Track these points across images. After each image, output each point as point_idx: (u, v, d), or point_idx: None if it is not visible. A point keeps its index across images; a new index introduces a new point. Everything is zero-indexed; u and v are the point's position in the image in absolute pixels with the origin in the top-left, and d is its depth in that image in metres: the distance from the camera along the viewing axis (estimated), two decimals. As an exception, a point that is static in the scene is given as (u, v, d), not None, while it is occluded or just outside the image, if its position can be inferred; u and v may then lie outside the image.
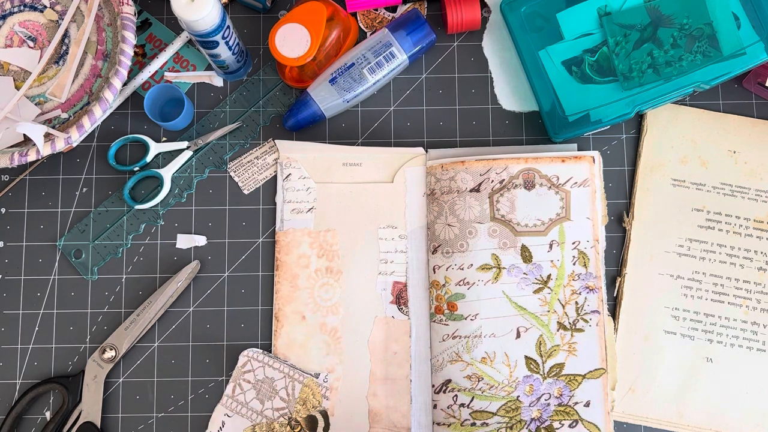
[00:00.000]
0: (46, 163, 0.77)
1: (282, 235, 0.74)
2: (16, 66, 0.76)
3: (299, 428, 0.71)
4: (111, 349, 0.72)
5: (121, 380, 0.73)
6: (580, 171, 0.72)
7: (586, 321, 0.71)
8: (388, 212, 0.74)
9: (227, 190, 0.76)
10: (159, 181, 0.75)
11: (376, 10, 0.78)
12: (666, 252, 0.73)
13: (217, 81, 0.78)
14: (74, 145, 0.71)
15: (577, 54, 0.72)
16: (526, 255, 0.71)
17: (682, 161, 0.74)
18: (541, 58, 0.72)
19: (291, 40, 0.71)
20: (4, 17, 0.77)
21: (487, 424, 0.69)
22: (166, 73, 0.78)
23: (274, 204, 0.75)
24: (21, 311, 0.74)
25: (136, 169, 0.76)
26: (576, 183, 0.72)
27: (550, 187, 0.72)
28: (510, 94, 0.77)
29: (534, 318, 0.71)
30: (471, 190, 0.72)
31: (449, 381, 0.70)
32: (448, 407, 0.70)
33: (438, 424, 0.70)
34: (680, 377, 0.71)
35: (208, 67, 0.78)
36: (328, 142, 0.76)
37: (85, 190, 0.76)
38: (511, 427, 0.69)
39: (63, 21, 0.76)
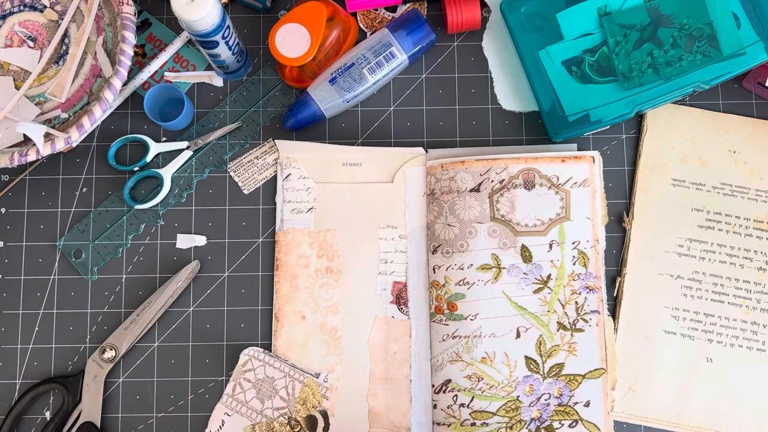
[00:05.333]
0: (46, 163, 0.77)
1: (282, 235, 0.74)
2: (16, 66, 0.76)
3: (299, 428, 0.71)
4: (111, 349, 0.72)
5: (121, 380, 0.73)
6: (580, 171, 0.72)
7: (586, 321, 0.71)
8: (388, 212, 0.74)
9: (227, 190, 0.76)
10: (159, 181, 0.75)
11: (376, 10, 0.78)
12: (666, 252, 0.73)
13: (217, 81, 0.78)
14: (74, 145, 0.71)
15: (577, 54, 0.72)
16: (526, 255, 0.71)
17: (682, 161, 0.74)
18: (541, 58, 0.72)
19: (291, 40, 0.71)
20: (4, 17, 0.77)
21: (487, 424, 0.69)
22: (166, 73, 0.78)
23: (274, 204, 0.76)
24: (21, 311, 0.74)
25: (136, 169, 0.76)
26: (576, 183, 0.72)
27: (550, 187, 0.72)
28: (510, 94, 0.77)
29: (534, 318, 0.71)
30: (471, 190, 0.72)
31: (449, 381, 0.70)
32: (448, 407, 0.70)
33: (438, 424, 0.70)
34: (680, 377, 0.71)
35: (208, 67, 0.78)
36: (328, 142, 0.76)
37: (85, 190, 0.76)
38: (511, 427, 0.69)
39: (63, 21, 0.76)
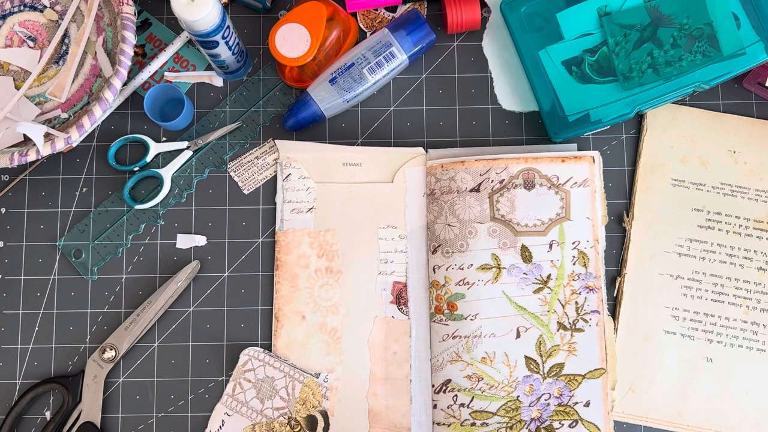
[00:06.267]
0: (46, 163, 0.77)
1: (282, 235, 0.74)
2: (16, 66, 0.76)
3: (299, 428, 0.71)
4: (111, 349, 0.72)
5: (121, 380, 0.73)
6: (580, 171, 0.72)
7: (586, 321, 0.71)
8: (388, 212, 0.74)
9: (227, 190, 0.76)
10: (159, 181, 0.75)
11: (376, 10, 0.78)
12: (666, 252, 0.73)
13: (217, 81, 0.78)
14: (74, 145, 0.71)
15: (577, 54, 0.72)
16: (526, 255, 0.71)
17: (682, 161, 0.74)
18: (541, 58, 0.72)
19: (291, 40, 0.71)
20: (4, 17, 0.77)
21: (487, 424, 0.69)
22: (166, 73, 0.78)
23: (274, 204, 0.76)
24: (21, 311, 0.74)
25: (136, 169, 0.76)
26: (576, 183, 0.72)
27: (550, 187, 0.72)
28: (510, 94, 0.77)
29: (534, 318, 0.71)
30: (471, 190, 0.72)
31: (449, 381, 0.70)
32: (448, 407, 0.70)
33: (438, 424, 0.70)
34: (680, 377, 0.71)
35: (208, 67, 0.78)
36: (328, 142, 0.76)
37: (85, 190, 0.76)
38: (511, 427, 0.69)
39: (63, 21, 0.76)
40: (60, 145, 0.69)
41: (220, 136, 0.76)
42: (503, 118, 0.77)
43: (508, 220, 0.72)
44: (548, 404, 0.70)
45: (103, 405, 0.73)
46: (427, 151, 0.75)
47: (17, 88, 0.76)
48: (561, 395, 0.70)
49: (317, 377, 0.71)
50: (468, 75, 0.77)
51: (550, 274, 0.71)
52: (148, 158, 0.75)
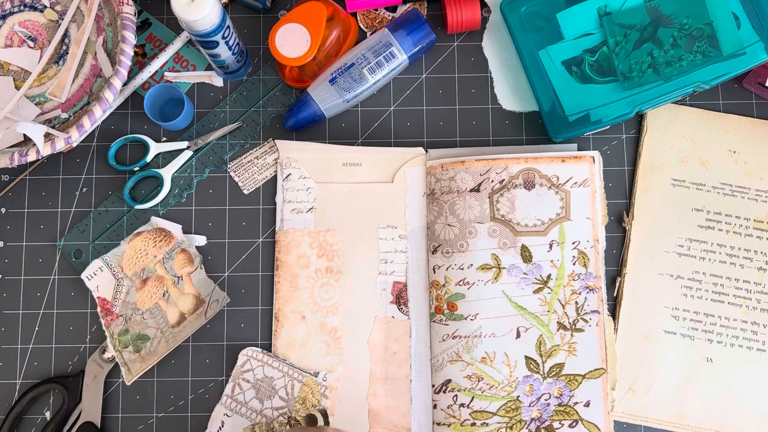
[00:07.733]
0: (46, 163, 0.77)
1: (282, 235, 0.74)
2: (16, 66, 0.76)
3: (299, 427, 0.71)
4: (111, 349, 0.72)
5: (121, 380, 0.73)
6: (580, 171, 0.72)
7: (586, 321, 0.71)
8: (388, 212, 0.74)
9: (227, 190, 0.76)
10: (159, 181, 0.76)
11: (376, 10, 0.78)
12: (666, 252, 0.73)
13: (217, 81, 0.78)
14: (74, 145, 0.71)
15: (577, 54, 0.72)
16: (526, 255, 0.71)
17: (682, 161, 0.74)
18: (541, 58, 0.72)
19: (291, 40, 0.71)
20: (4, 17, 0.77)
21: (487, 424, 0.69)
22: (166, 73, 0.78)
23: (274, 204, 0.76)
24: (21, 311, 0.74)
25: (136, 169, 0.76)
26: (576, 183, 0.72)
27: (550, 187, 0.72)
28: (510, 94, 0.77)
29: (534, 318, 0.71)
30: (471, 190, 0.72)
31: (449, 381, 0.70)
32: (448, 407, 0.70)
33: (438, 424, 0.70)
34: (680, 377, 0.71)
35: (208, 67, 0.78)
36: (328, 142, 0.76)
37: (85, 190, 0.76)
38: (511, 427, 0.69)
39: (63, 21, 0.76)
40: (60, 145, 0.69)
41: (220, 136, 0.76)
42: (503, 118, 0.77)
43: (508, 220, 0.72)
44: (548, 404, 0.70)
45: (103, 405, 0.73)
46: (427, 151, 0.75)
47: (17, 88, 0.76)
48: (561, 395, 0.70)
49: (316, 376, 0.71)
50: (468, 75, 0.77)
51: (550, 274, 0.71)
52: (148, 158, 0.75)
